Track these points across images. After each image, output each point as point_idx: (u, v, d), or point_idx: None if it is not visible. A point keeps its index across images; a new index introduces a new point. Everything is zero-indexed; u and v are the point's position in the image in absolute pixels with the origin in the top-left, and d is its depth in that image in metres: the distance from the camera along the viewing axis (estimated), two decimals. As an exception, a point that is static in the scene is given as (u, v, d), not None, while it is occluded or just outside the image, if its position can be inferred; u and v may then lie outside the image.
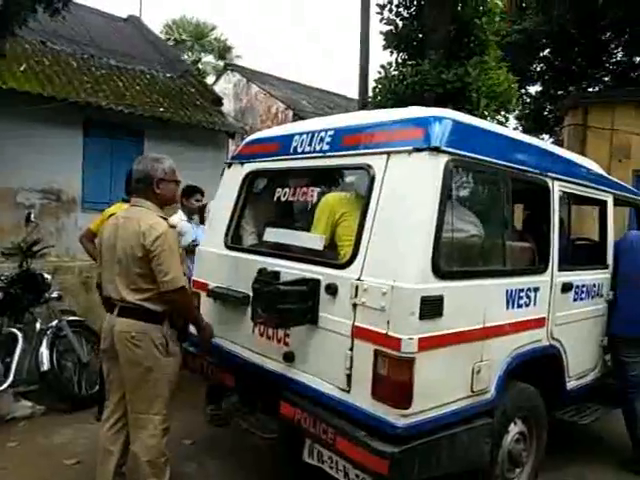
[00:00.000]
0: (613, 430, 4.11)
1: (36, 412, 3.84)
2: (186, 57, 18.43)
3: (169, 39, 18.96)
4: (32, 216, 4.16)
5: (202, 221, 4.29)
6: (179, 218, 4.18)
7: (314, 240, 2.67)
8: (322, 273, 2.44)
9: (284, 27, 54.68)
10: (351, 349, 2.25)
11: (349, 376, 2.26)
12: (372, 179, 2.37)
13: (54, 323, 4.04)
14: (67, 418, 3.80)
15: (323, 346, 2.41)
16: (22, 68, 7.68)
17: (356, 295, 2.24)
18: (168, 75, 10.28)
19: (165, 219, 2.59)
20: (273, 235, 2.93)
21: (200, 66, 19.06)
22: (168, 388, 2.61)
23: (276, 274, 2.59)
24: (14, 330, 3.85)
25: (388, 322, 2.12)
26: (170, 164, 2.67)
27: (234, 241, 3.14)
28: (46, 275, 4.08)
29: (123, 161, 8.19)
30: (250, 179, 3.17)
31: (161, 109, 8.73)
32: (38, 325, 4.02)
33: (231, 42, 20.80)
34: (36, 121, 7.40)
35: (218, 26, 20.83)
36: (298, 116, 12.67)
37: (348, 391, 2.27)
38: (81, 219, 7.81)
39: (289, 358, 2.56)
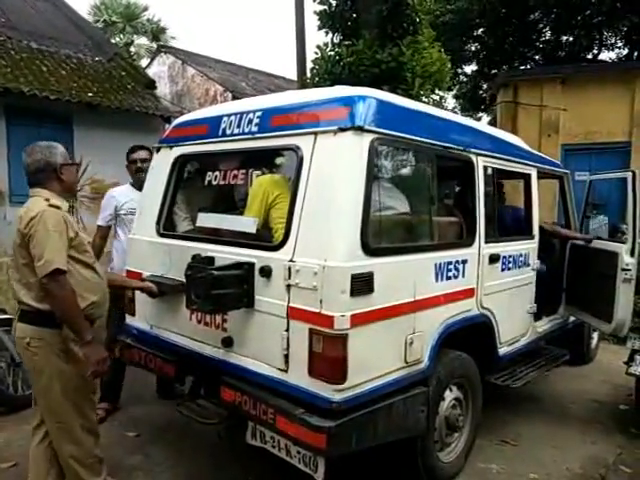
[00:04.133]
0: (544, 391, 4.40)
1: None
2: (118, 40, 17.63)
3: (98, 21, 18.02)
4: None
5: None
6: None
7: (247, 223, 2.66)
8: (256, 256, 2.43)
9: (221, 6, 53.17)
10: (287, 330, 2.28)
11: (286, 356, 2.29)
12: (301, 160, 2.37)
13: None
14: (2, 420, 3.65)
15: (260, 329, 2.43)
16: None
17: (289, 276, 2.26)
18: (97, 59, 9.80)
19: (54, 205, 2.33)
20: (206, 220, 2.90)
21: (133, 49, 18.29)
22: (80, 394, 2.42)
23: (210, 259, 2.57)
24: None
25: (321, 301, 2.15)
26: (63, 149, 2.52)
27: (166, 228, 3.07)
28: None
29: (52, 150, 7.82)
30: (180, 163, 3.10)
31: (89, 94, 8.33)
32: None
33: (165, 23, 20.04)
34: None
35: (150, 7, 20.00)
36: (237, 98, 12.43)
37: (286, 371, 2.30)
38: (10, 213, 7.39)
39: (228, 343, 2.56)
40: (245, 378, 2.47)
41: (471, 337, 2.99)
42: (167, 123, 9.90)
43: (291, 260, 2.27)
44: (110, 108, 8.36)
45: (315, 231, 2.25)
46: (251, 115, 2.71)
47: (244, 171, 2.86)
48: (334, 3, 8.11)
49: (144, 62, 15.64)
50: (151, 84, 10.07)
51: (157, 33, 19.76)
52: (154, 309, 3.00)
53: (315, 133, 2.36)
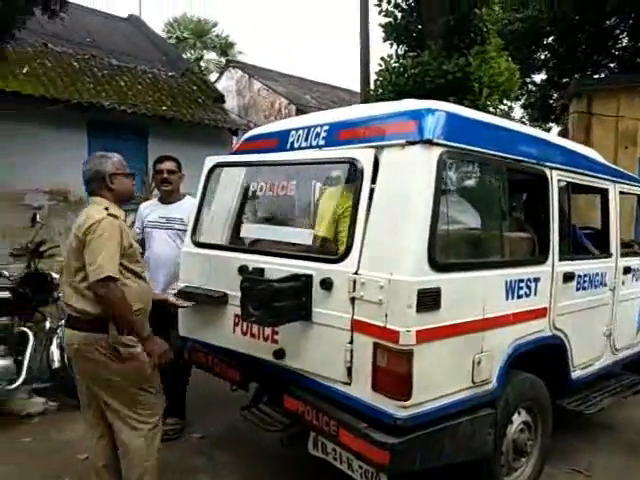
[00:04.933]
0: (620, 419, 4.12)
1: (49, 409, 3.90)
2: (188, 55, 18.47)
3: (170, 37, 19.01)
4: (38, 217, 4.21)
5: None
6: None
7: (302, 235, 2.68)
8: (313, 268, 2.42)
9: (286, 21, 54.52)
10: (351, 342, 2.27)
11: (349, 369, 2.28)
12: (362, 173, 2.36)
13: (63, 322, 4.09)
14: (79, 414, 3.85)
15: (319, 341, 2.41)
16: (24, 70, 7.74)
17: (354, 289, 2.26)
18: (170, 74, 10.31)
19: (113, 215, 2.41)
20: (255, 231, 2.95)
21: (202, 64, 19.10)
22: (143, 391, 2.47)
23: (260, 271, 2.57)
24: (25, 329, 3.90)
25: (386, 315, 2.14)
26: (119, 158, 2.57)
27: (228, 239, 3.09)
28: (54, 275, 4.12)
29: (128, 161, 8.27)
30: (245, 175, 3.14)
31: (164, 108, 8.78)
32: (48, 324, 4.08)
33: (233, 38, 20.80)
34: (41, 123, 7.47)
35: (219, 22, 20.86)
36: (301, 111, 12.66)
37: (349, 384, 2.29)
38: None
39: (280, 355, 2.53)
40: (308, 388, 2.49)
41: (542, 359, 2.86)
42: (234, 135, 10.25)
43: (356, 272, 2.27)
44: (182, 121, 8.76)
45: (381, 244, 2.24)
46: (318, 129, 2.75)
47: (304, 184, 2.90)
48: (399, 15, 8.14)
49: (213, 76, 16.28)
50: (220, 98, 10.46)
51: (225, 48, 20.56)
52: (193, 321, 3.02)
53: (382, 146, 2.36)
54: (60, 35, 9.00)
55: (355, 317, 2.26)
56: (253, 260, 2.67)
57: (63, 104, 7.49)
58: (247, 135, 3.43)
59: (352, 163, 2.45)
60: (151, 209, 3.74)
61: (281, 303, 2.33)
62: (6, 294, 3.86)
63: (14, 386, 3.73)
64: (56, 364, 3.95)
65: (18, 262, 4.70)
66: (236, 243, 3.02)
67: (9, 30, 5.27)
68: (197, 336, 3.07)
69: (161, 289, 3.44)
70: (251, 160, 3.08)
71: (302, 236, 2.68)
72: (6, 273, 4.05)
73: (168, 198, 3.71)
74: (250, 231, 3.03)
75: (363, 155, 2.38)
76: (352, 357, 2.26)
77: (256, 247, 2.88)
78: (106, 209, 2.41)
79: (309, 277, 2.41)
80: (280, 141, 2.97)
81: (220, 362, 3.04)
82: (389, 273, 2.14)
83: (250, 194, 3.07)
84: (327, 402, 2.38)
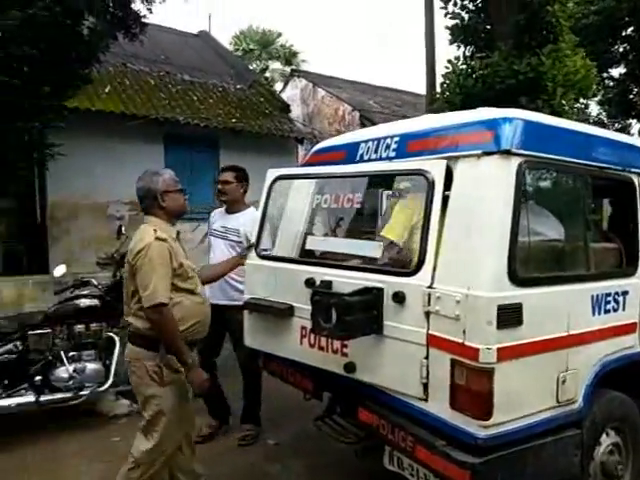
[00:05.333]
0: None
1: (133, 410, 4.11)
2: (254, 66, 18.99)
3: (237, 50, 19.63)
4: (123, 229, 4.48)
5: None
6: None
7: (372, 247, 2.64)
8: (384, 281, 2.38)
9: (350, 28, 54.73)
10: (426, 357, 2.24)
11: (425, 385, 2.25)
12: (437, 184, 2.31)
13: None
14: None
15: (391, 355, 2.37)
16: (106, 90, 8.28)
17: (429, 303, 2.22)
18: (238, 86, 10.65)
19: (161, 238, 2.43)
20: (324, 244, 2.96)
21: (268, 74, 19.56)
22: (168, 422, 2.47)
23: (328, 284, 2.55)
24: (112, 335, 4.14)
25: (464, 331, 2.09)
26: (170, 175, 2.59)
27: (278, 250, 3.14)
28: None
29: (201, 172, 8.69)
30: (314, 187, 3.11)
31: (233, 120, 9.08)
32: (131, 330, 4.33)
33: (297, 47, 21.15)
34: (121, 138, 7.95)
35: (284, 32, 21.28)
36: (365, 117, 12.66)
37: (425, 399, 2.26)
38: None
39: (350, 369, 2.51)
40: (382, 402, 2.48)
41: (633, 377, 2.68)
42: (300, 144, 10.43)
43: (430, 286, 2.23)
44: (251, 132, 9.02)
45: (457, 258, 2.19)
46: (388, 140, 2.74)
47: (370, 195, 2.89)
48: (467, 17, 7.95)
49: (278, 86, 16.64)
50: (286, 108, 10.67)
51: (290, 57, 20.95)
52: (258, 332, 3.06)
53: (456, 157, 2.31)
54: (137, 54, 9.55)
55: (430, 332, 2.22)
56: (320, 273, 2.65)
57: (141, 120, 7.92)
58: (316, 148, 3.48)
59: (422, 175, 2.40)
60: (217, 217, 3.89)
61: (353, 316, 2.31)
62: (95, 302, 4.13)
63: (103, 388, 3.98)
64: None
65: (105, 271, 5.01)
66: (303, 255, 3.00)
67: (96, 54, 5.67)
68: (263, 347, 3.13)
69: (217, 299, 3.44)
70: (315, 172, 3.10)
71: (371, 249, 2.66)
72: (94, 282, 4.32)
73: (230, 208, 3.80)
74: (317, 244, 3.04)
75: (434, 166, 2.34)
76: (428, 373, 2.23)
77: (323, 259, 2.89)
78: (154, 231, 2.43)
79: (380, 290, 2.38)
80: (349, 153, 2.99)
81: (293, 371, 3.07)
82: (466, 288, 2.09)
83: (317, 206, 3.05)
84: (402, 416, 2.36)
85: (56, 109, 5.57)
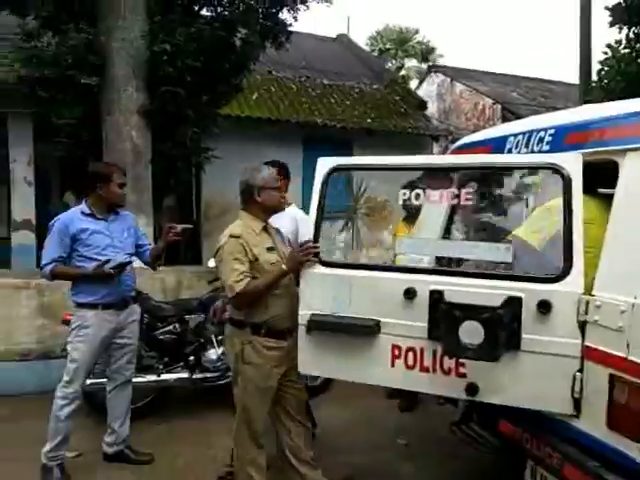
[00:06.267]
0: None
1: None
2: (390, 65, 19.00)
3: (374, 50, 19.81)
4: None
5: None
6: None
7: (499, 251, 2.28)
8: (521, 289, 2.11)
9: (488, 17, 52.00)
10: (580, 371, 2.04)
11: (577, 401, 2.05)
12: (574, 180, 2.08)
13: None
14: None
15: (531, 370, 2.13)
16: (254, 97, 8.92)
17: (586, 312, 2.02)
18: (375, 87, 10.76)
19: (234, 235, 2.53)
20: (430, 247, 2.63)
21: (403, 72, 19.44)
22: (251, 399, 2.57)
23: (438, 294, 2.21)
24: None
25: (628, 345, 1.86)
26: (269, 172, 2.65)
27: (356, 256, 2.88)
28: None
29: (335, 170, 8.93)
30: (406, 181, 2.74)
31: (368, 120, 9.20)
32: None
33: (433, 43, 20.71)
34: (265, 141, 8.50)
35: (420, 29, 21.00)
36: (508, 110, 11.94)
37: (576, 416, 2.07)
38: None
39: (472, 391, 2.21)
40: (526, 414, 2.32)
41: None
42: (435, 141, 10.20)
43: (587, 294, 2.03)
44: (385, 131, 9.07)
45: (623, 263, 1.97)
46: (542, 133, 2.54)
47: (486, 191, 2.61)
48: (632, -7, 7.06)
49: (413, 83, 16.44)
50: (422, 105, 10.52)
51: (426, 54, 20.60)
52: (320, 355, 2.49)
53: (624, 150, 2.07)
54: (281, 61, 10.12)
55: (586, 343, 2.02)
56: (424, 281, 2.27)
57: (284, 124, 8.40)
58: (458, 143, 3.36)
59: (556, 169, 2.15)
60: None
61: (502, 332, 2.07)
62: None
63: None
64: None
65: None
66: (395, 261, 2.62)
67: (247, 64, 6.15)
68: (330, 374, 2.70)
69: None
70: (395, 163, 2.64)
71: (499, 252, 2.30)
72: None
73: None
74: (418, 247, 2.61)
75: (569, 161, 2.10)
76: (582, 388, 2.03)
77: (420, 265, 2.52)
78: (239, 226, 2.58)
79: (519, 299, 2.11)
80: (495, 148, 2.84)
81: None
82: (633, 297, 1.87)
83: (409, 203, 2.58)
84: (548, 432, 2.19)
85: (212, 116, 6.15)
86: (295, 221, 3.24)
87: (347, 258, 2.87)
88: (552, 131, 2.49)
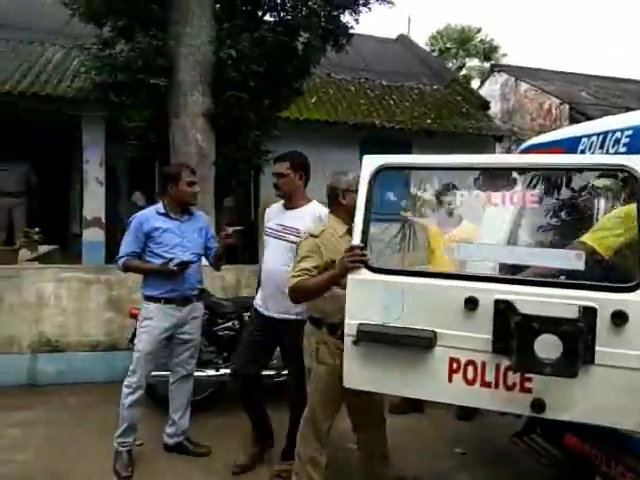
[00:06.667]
0: None
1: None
2: (450, 65, 18.62)
3: (434, 50, 19.47)
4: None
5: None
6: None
7: (569, 258, 2.12)
8: (593, 298, 1.98)
9: (554, 13, 49.82)
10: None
11: (655, 417, 1.93)
12: None
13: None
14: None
15: (605, 386, 1.99)
16: (313, 100, 9.00)
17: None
18: (435, 87, 10.58)
19: (313, 235, 2.59)
20: (491, 253, 2.44)
21: (464, 71, 18.99)
22: (320, 398, 2.62)
23: (506, 304, 2.07)
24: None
25: None
26: (354, 176, 2.58)
27: (407, 261, 2.86)
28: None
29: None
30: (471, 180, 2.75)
31: (428, 121, 9.05)
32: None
33: (497, 42, 20.10)
34: (323, 143, 8.55)
35: (483, 28, 20.44)
36: (576, 110, 11.38)
37: (653, 433, 1.94)
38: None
39: (539, 408, 2.07)
40: (594, 429, 2.19)
41: None
42: (498, 142, 9.89)
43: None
44: (445, 132, 8.89)
45: None
46: (618, 134, 2.41)
47: (552, 193, 2.51)
48: None
49: (475, 83, 16.02)
50: (484, 105, 10.24)
51: (489, 53, 20.02)
52: (368, 369, 2.36)
53: None
54: (340, 64, 10.15)
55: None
56: (488, 289, 2.14)
57: (342, 126, 8.43)
58: (526, 144, 3.24)
59: (627, 172, 1.99)
60: (274, 214, 3.23)
61: (581, 346, 1.94)
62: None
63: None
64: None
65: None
66: (449, 267, 2.56)
67: (308, 68, 6.22)
68: (380, 388, 2.47)
69: (270, 311, 3.07)
70: (453, 163, 2.47)
71: (570, 259, 2.14)
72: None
73: (289, 203, 3.14)
74: (480, 252, 2.44)
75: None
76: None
77: (478, 272, 2.39)
78: (322, 229, 2.63)
79: (594, 310, 1.98)
80: (567, 150, 2.71)
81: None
82: None
83: (470, 205, 2.50)
84: (620, 449, 2.07)
85: (273, 119, 6.26)
86: (320, 222, 2.88)
87: (399, 264, 2.82)
88: (629, 132, 2.36)
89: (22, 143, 8.10)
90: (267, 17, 6.32)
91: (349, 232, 2.66)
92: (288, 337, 2.99)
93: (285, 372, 4.07)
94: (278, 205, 3.24)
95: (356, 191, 2.57)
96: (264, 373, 4.13)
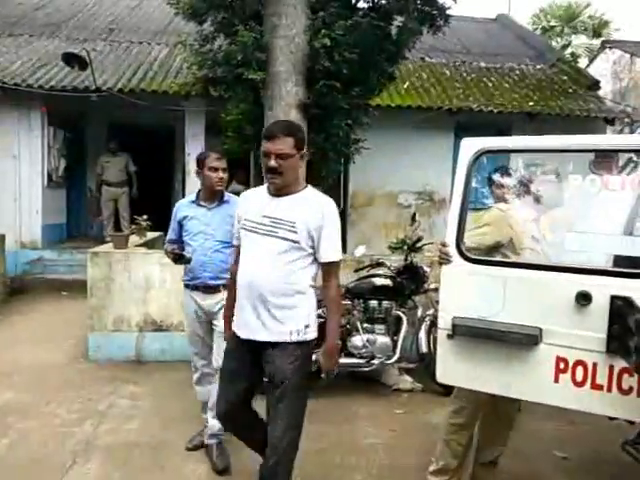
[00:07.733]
0: None
1: (415, 388, 4.32)
2: (554, 43, 17.31)
3: (536, 29, 18.19)
4: (417, 215, 4.68)
5: None
6: None
7: None
8: None
9: (683, -21, 44.17)
10: None
11: None
12: None
13: (431, 312, 4.44)
14: (442, 400, 4.06)
15: None
16: (405, 86, 8.78)
17: None
18: (538, 67, 9.90)
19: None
20: (618, 245, 2.21)
21: (570, 50, 17.56)
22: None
23: (625, 300, 1.92)
24: (400, 313, 4.41)
25: None
26: None
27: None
28: (426, 268, 4.51)
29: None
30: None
31: (530, 103, 8.49)
32: (419, 312, 4.51)
33: (607, 16, 18.32)
34: (415, 130, 8.36)
35: (592, 1, 18.70)
36: None
37: None
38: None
39: None
40: None
41: None
42: (610, 125, 9.05)
43: None
44: (550, 115, 8.29)
45: None
46: None
47: None
48: None
49: (582, 62, 14.76)
50: (594, 85, 9.40)
51: (598, 29, 18.33)
52: (465, 364, 2.26)
53: None
54: (435, 47, 9.81)
55: None
56: (603, 284, 2.00)
57: (435, 111, 8.15)
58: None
59: None
60: (253, 201, 2.42)
61: None
62: (388, 282, 4.46)
63: (391, 361, 4.27)
64: (423, 348, 4.33)
65: (395, 254, 5.38)
66: (555, 258, 2.38)
67: (402, 52, 6.07)
68: (476, 385, 2.36)
69: (252, 332, 2.31)
70: (563, 145, 2.29)
71: None
72: (388, 263, 4.67)
73: (282, 190, 2.31)
74: (594, 243, 2.24)
75: None
76: None
77: (586, 265, 2.18)
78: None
79: None
80: None
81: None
82: None
83: (584, 190, 2.30)
84: None
85: (364, 107, 6.19)
86: (321, 215, 2.26)
87: (500, 255, 2.66)
88: None
89: (128, 137, 8.81)
90: (361, 3, 6.24)
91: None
92: (277, 363, 2.28)
93: (375, 361, 4.17)
94: (258, 190, 2.46)
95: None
96: (350, 361, 4.18)
